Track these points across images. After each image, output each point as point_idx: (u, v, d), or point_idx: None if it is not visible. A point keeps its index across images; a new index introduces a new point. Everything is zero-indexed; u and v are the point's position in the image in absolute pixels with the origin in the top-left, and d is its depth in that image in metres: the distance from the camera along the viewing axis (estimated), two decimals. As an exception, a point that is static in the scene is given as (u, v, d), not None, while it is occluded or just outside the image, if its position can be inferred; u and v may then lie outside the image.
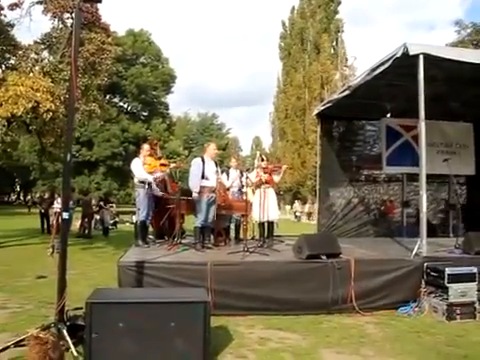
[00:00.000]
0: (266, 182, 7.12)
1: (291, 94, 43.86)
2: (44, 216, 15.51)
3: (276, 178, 7.29)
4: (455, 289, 5.17)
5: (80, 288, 5.52)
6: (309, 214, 33.47)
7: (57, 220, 9.67)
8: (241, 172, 7.65)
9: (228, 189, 7.52)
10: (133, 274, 5.07)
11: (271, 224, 7.30)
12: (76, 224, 15.35)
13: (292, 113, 44.32)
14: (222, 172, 7.37)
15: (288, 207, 37.83)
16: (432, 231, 7.02)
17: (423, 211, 5.77)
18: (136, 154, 7.28)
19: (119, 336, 3.47)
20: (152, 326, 3.54)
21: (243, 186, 7.60)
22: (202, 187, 6.46)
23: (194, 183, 6.44)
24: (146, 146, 7.12)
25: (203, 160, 6.58)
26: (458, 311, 5.13)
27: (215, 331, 4.26)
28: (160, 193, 7.15)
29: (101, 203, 17.93)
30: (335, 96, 8.30)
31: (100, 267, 8.38)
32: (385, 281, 5.48)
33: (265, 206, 6.96)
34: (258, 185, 7.04)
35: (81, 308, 3.83)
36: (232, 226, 7.92)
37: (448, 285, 5.18)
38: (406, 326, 4.94)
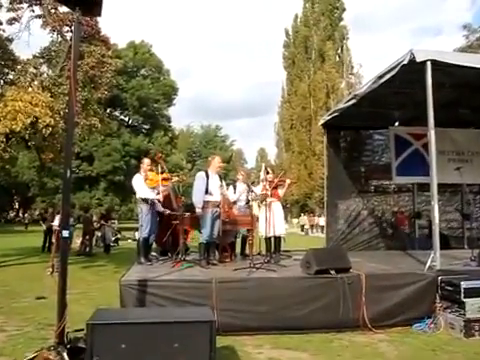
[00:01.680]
0: (272, 196, 7.11)
1: (296, 104, 44.11)
2: (48, 234, 15.38)
3: (280, 192, 7.29)
4: (472, 304, 5.10)
5: (81, 308, 5.50)
6: (314, 226, 33.31)
7: (57, 238, 9.68)
8: (248, 186, 7.67)
9: (235, 203, 7.51)
10: (136, 293, 5.05)
11: (278, 239, 7.27)
12: (77, 241, 15.37)
13: (297, 123, 44.52)
14: (228, 186, 7.37)
15: (295, 220, 37.66)
16: (446, 243, 6.97)
17: (435, 222, 5.73)
18: (137, 169, 7.29)
19: (121, 358, 3.44)
20: (155, 347, 3.50)
21: (249, 200, 7.61)
22: (206, 202, 6.45)
23: (198, 198, 6.43)
24: (147, 160, 7.14)
25: (207, 174, 6.59)
26: (476, 327, 5.05)
27: (221, 352, 4.22)
28: (162, 209, 7.14)
29: (102, 220, 17.95)
30: (341, 105, 8.33)
31: (101, 286, 8.35)
32: (398, 296, 5.42)
33: (271, 220, 6.93)
34: (264, 199, 7.03)
35: (82, 330, 3.81)
36: (238, 241, 7.91)
37: (464, 300, 5.11)
38: (421, 343, 4.86)
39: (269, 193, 7.09)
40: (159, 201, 7.03)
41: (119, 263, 11.26)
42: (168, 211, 7.16)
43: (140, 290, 5.07)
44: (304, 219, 34.77)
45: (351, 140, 10.06)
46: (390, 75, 6.19)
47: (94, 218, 17.48)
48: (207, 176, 6.56)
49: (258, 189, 7.22)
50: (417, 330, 5.28)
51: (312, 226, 33.39)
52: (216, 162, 6.74)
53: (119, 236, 20.46)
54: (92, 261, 12.85)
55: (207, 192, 6.49)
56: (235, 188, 7.66)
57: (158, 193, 6.93)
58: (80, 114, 11.83)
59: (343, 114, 8.28)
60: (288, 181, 7.44)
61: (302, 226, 35.07)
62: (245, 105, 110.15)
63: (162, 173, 7.04)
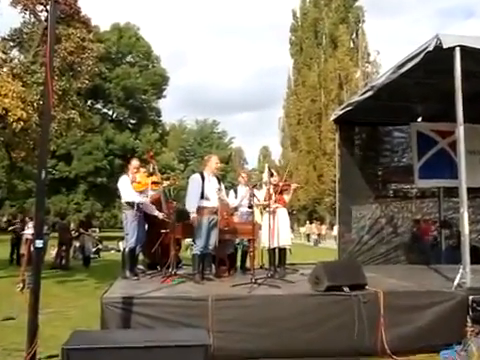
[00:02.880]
0: (276, 201, 7.10)
1: (304, 96, 44.22)
2: (16, 244, 15.28)
3: (286, 197, 7.29)
4: (509, 328, 5.07)
5: (56, 331, 5.48)
6: (321, 235, 33.33)
7: (28, 249, 9.65)
8: (251, 189, 7.66)
9: (236, 209, 7.52)
10: (119, 312, 5.03)
11: (283, 250, 7.25)
12: (51, 253, 15.33)
13: (306, 118, 44.62)
14: (228, 189, 7.38)
15: (303, 229, 37.72)
16: (477, 256, 6.92)
17: (465, 233, 5.70)
18: (123, 169, 7.30)
19: (102, 388, 3.41)
20: (142, 376, 3.48)
21: (252, 206, 7.60)
22: (201, 208, 6.44)
23: (192, 203, 6.42)
24: (135, 162, 7.15)
25: (203, 176, 6.58)
26: (513, 355, 5.02)
27: (218, 381, 4.19)
28: (157, 212, 7.15)
29: (81, 228, 17.91)
30: (356, 98, 8.32)
31: (80, 304, 8.31)
32: (422, 318, 5.40)
33: (276, 229, 6.92)
34: (267, 205, 7.01)
35: (56, 356, 3.79)
36: (238, 253, 7.89)
37: (500, 323, 5.08)
38: (449, 373, 4.84)
39: (273, 198, 7.08)
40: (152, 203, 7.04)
41: (100, 278, 11.22)
42: (162, 214, 7.14)
43: (124, 309, 5.04)
44: (310, 228, 34.79)
45: (367, 138, 10.04)
46: (413, 63, 6.17)
47: (72, 226, 17.45)
48: (203, 178, 6.55)
49: (261, 193, 7.20)
50: (445, 358, 5.23)
51: (319, 235, 33.41)
52: (213, 162, 6.73)
53: (101, 247, 20.42)
54: (69, 275, 12.82)
55: (203, 197, 6.47)
56: (236, 192, 7.66)
57: (147, 196, 6.92)
58: (57, 106, 11.81)
59: (358, 108, 8.27)
60: (294, 186, 7.42)
61: (308, 235, 35.11)
62: (246, 97, 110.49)
63: (151, 175, 7.03)
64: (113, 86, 33.60)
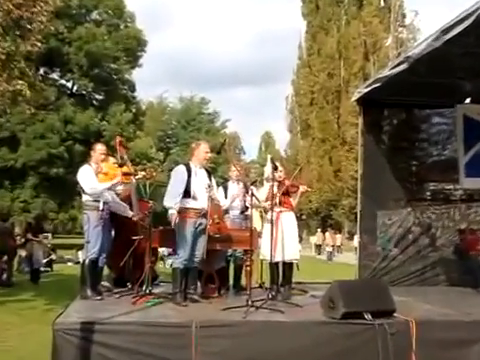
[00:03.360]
0: (281, 203, 7.10)
1: (319, 69, 44.23)
2: None
3: (293, 201, 7.32)
4: None
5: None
6: (334, 247, 33.41)
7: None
8: (245, 186, 7.64)
9: (226, 212, 7.52)
10: (77, 342, 5.03)
11: (288, 266, 7.28)
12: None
13: (320, 97, 44.63)
14: (217, 186, 7.39)
15: (313, 239, 37.86)
16: None
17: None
18: (85, 158, 7.30)
19: None
20: None
21: (247, 207, 7.57)
22: (185, 209, 6.46)
23: (172, 199, 6.44)
24: (100, 147, 7.14)
25: (189, 169, 6.60)
26: None
27: None
28: (130, 212, 7.17)
29: (29, 233, 17.84)
30: (386, 72, 8.29)
31: (25, 332, 8.29)
32: (467, 357, 5.42)
33: (280, 238, 6.94)
34: (270, 207, 7.02)
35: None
36: (230, 267, 7.91)
37: None
38: None
39: (277, 199, 7.08)
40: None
41: (53, 297, 11.20)
42: (137, 215, 7.14)
43: (84, 338, 5.04)
44: (323, 237, 34.88)
45: (399, 123, 10.05)
46: (461, 28, 6.15)
47: (17, 230, 17.37)
48: (189, 171, 6.57)
49: (263, 192, 7.20)
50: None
51: (334, 247, 33.56)
52: (202, 151, 6.74)
53: (54, 257, 20.37)
54: (12, 294, 12.78)
55: (188, 194, 6.49)
56: (226, 190, 7.69)
57: (117, 194, 6.92)
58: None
59: (388, 85, 8.25)
60: (302, 188, 7.40)
61: (318, 246, 35.22)
62: (244, 69, 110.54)
63: (122, 165, 7.01)
64: (74, 51, 33.38)
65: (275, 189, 7.08)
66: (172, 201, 6.43)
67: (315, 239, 37.37)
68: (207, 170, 6.85)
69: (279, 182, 7.21)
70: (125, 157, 7.19)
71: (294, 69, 50.10)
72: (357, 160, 10.64)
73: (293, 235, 7.27)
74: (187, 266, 6.59)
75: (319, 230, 38.22)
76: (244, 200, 7.65)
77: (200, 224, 6.56)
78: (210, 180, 6.75)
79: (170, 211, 6.43)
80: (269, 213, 7.07)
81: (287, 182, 7.31)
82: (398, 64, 7.73)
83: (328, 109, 43.74)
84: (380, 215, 9.82)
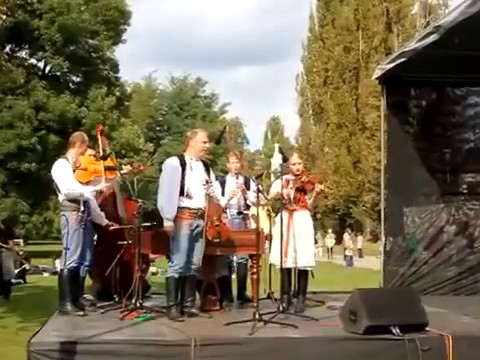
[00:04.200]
0: (295, 200, 7.13)
1: (334, 42, 44.16)
2: None
3: (309, 200, 7.32)
4: None
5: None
6: (353, 251, 33.40)
7: None
8: (245, 180, 7.64)
9: (224, 211, 7.51)
10: (56, 365, 5.04)
11: (303, 273, 7.28)
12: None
13: (336, 76, 44.56)
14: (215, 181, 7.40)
15: (330, 241, 37.86)
16: None
17: None
18: (61, 150, 7.31)
19: None
20: None
21: (248, 206, 7.56)
22: (181, 210, 6.48)
23: (167, 204, 6.46)
24: (80, 135, 7.13)
25: (183, 162, 6.61)
26: None
27: None
28: (105, 221, 7.19)
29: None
30: (412, 44, 8.27)
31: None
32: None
33: (292, 241, 6.96)
34: (283, 205, 7.04)
35: None
36: (234, 276, 7.95)
37: None
38: None
39: (290, 196, 7.11)
40: (103, 207, 7.06)
41: (26, 313, 11.24)
42: (114, 226, 7.16)
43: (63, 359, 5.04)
44: (346, 239, 34.78)
45: (429, 105, 10.03)
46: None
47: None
48: (183, 165, 6.59)
49: (276, 188, 7.20)
50: None
51: (354, 250, 33.54)
52: (198, 140, 6.74)
53: (27, 267, 20.45)
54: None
55: (183, 193, 6.51)
56: (223, 185, 7.70)
57: (100, 192, 6.92)
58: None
59: (416, 60, 8.24)
60: (319, 187, 7.31)
61: (329, 250, 35.21)
62: (246, 44, 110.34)
63: (105, 158, 7.02)
64: (45, 24, 33.27)
65: (291, 183, 7.10)
66: (168, 209, 6.43)
67: (330, 241, 37.35)
68: (205, 163, 6.84)
69: (297, 176, 7.19)
70: (107, 149, 7.20)
71: (304, 43, 50.08)
72: (380, 149, 10.62)
73: (308, 238, 7.27)
74: (183, 275, 6.58)
75: (330, 231, 38.19)
76: (244, 197, 7.65)
77: (197, 226, 6.56)
78: (209, 175, 6.75)
79: (166, 222, 6.44)
80: (280, 212, 7.08)
81: (304, 178, 7.26)
82: (427, 35, 7.69)
83: (345, 89, 43.70)
84: (408, 213, 9.82)
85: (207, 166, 6.84)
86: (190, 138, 6.81)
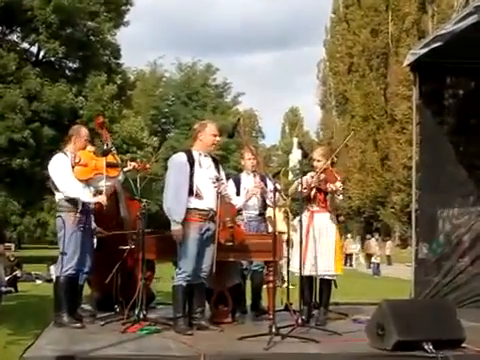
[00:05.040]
0: (315, 201, 7.17)
1: (360, 24, 44.07)
2: None
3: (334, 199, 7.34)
4: None
5: None
6: (377, 257, 33.28)
7: None
8: (262, 179, 7.65)
9: (239, 212, 7.56)
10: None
11: (324, 282, 7.32)
12: None
13: (362, 62, 44.47)
14: (227, 179, 7.43)
15: (355, 247, 37.81)
16: None
17: None
18: (57, 144, 7.34)
19: None
20: None
21: (266, 207, 7.57)
22: (190, 210, 6.51)
23: (175, 206, 6.49)
24: (84, 130, 7.16)
25: (191, 157, 6.64)
26: None
27: None
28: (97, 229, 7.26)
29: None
30: (449, 26, 8.25)
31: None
32: None
33: (312, 247, 6.99)
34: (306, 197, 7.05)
35: None
36: (247, 284, 7.95)
37: None
38: None
39: (311, 194, 7.12)
40: (97, 212, 7.07)
41: (18, 325, 11.27)
42: (103, 233, 7.23)
43: (60, 376, 5.08)
44: (372, 245, 34.73)
45: (467, 95, 10.00)
46: None
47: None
48: (191, 161, 6.61)
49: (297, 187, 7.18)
50: None
51: (381, 257, 33.45)
52: (208, 134, 6.77)
53: (19, 274, 20.52)
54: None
55: (192, 192, 6.54)
56: (238, 184, 7.76)
57: (99, 192, 6.95)
58: None
59: (453, 44, 8.22)
60: (330, 186, 7.25)
61: (348, 256, 35.09)
62: (262, 27, 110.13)
63: (106, 154, 7.04)
64: (39, 4, 33.28)
65: (315, 181, 7.11)
66: (176, 210, 6.46)
67: (355, 246, 37.27)
68: (214, 158, 6.88)
69: (324, 174, 7.20)
70: (109, 142, 7.22)
71: (327, 26, 50.08)
72: (411, 144, 10.59)
73: (328, 242, 7.27)
74: (191, 283, 6.62)
75: (349, 236, 38.08)
76: (263, 197, 7.67)
77: (207, 229, 6.60)
78: (218, 171, 6.79)
79: (174, 226, 6.46)
80: (300, 215, 7.09)
81: (322, 176, 7.25)
82: (466, 16, 7.67)
83: (372, 77, 43.64)
84: (443, 216, 9.80)
85: (216, 162, 6.88)
86: (198, 131, 6.83)
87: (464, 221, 9.81)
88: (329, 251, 7.25)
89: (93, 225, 7.27)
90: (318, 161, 7.36)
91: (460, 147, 9.78)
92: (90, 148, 7.30)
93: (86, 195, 6.81)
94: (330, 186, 7.21)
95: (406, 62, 9.75)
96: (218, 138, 6.87)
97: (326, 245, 7.20)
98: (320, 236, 7.16)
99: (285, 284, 8.33)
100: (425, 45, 9.01)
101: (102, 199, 6.87)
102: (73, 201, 6.74)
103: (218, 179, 6.69)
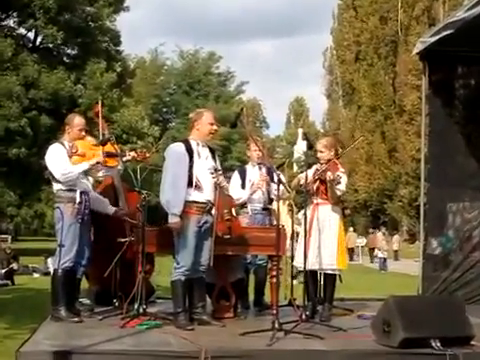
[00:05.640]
0: (318, 193, 7.18)
1: (368, 11, 43.94)
2: None
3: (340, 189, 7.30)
4: None
5: None
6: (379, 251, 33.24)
7: None
8: (268, 171, 7.64)
9: (244, 205, 7.59)
10: (47, 378, 5.08)
11: (329, 277, 7.32)
12: None
13: (370, 51, 44.35)
14: (228, 171, 7.42)
15: (361, 241, 37.81)
16: None
17: None
18: (55, 133, 7.35)
19: None
20: None
21: (271, 200, 7.57)
22: (189, 203, 6.51)
23: (173, 198, 6.48)
24: (79, 120, 7.13)
25: (189, 147, 6.63)
26: None
27: None
28: (111, 209, 7.25)
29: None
30: (461, 14, 8.21)
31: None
32: None
33: (315, 240, 7.02)
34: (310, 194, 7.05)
35: None
36: (250, 279, 7.96)
37: None
38: None
39: (312, 187, 7.13)
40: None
41: (14, 319, 11.29)
42: (123, 210, 7.27)
43: (57, 372, 5.09)
44: (378, 239, 34.66)
45: (478, 85, 9.98)
46: None
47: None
48: (190, 151, 6.61)
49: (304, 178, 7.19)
50: None
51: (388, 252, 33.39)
52: (205, 122, 6.76)
53: (15, 267, 20.59)
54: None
55: (191, 184, 6.54)
56: (243, 176, 7.77)
57: (98, 183, 6.96)
58: None
59: (464, 32, 8.19)
60: (329, 175, 7.23)
61: (350, 250, 35.02)
62: (267, 14, 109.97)
63: (104, 143, 7.04)
64: (36, -11, 33.42)
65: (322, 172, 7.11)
66: (175, 203, 6.44)
67: (361, 241, 37.25)
68: (210, 148, 6.87)
69: (329, 163, 7.19)
70: (106, 133, 7.21)
71: (334, 12, 49.94)
72: (419, 135, 10.58)
73: (331, 235, 7.27)
74: (190, 277, 6.63)
75: (351, 229, 38.00)
76: (268, 190, 7.68)
77: (205, 222, 6.61)
78: (215, 161, 6.80)
79: (172, 218, 6.45)
80: (304, 208, 7.09)
81: (324, 167, 7.24)
82: (478, 3, 7.65)
83: (380, 66, 43.55)
84: (452, 210, 9.80)
85: (212, 151, 6.87)
86: (195, 120, 6.81)
87: (475, 215, 9.80)
88: (332, 244, 7.24)
89: (111, 209, 7.28)
90: (321, 152, 7.36)
91: (471, 139, 9.75)
92: (90, 140, 7.31)
93: (81, 167, 6.77)
94: (328, 175, 7.15)
95: (415, 50, 9.72)
96: (215, 126, 6.86)
97: (328, 238, 7.21)
98: (323, 228, 7.17)
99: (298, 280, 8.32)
100: (435, 33, 8.98)
101: (99, 158, 6.86)
102: (72, 191, 6.74)
103: (216, 169, 6.69)
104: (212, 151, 6.87)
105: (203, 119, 6.76)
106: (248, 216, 7.68)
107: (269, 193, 7.71)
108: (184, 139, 6.88)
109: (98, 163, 6.91)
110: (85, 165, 6.82)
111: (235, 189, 7.60)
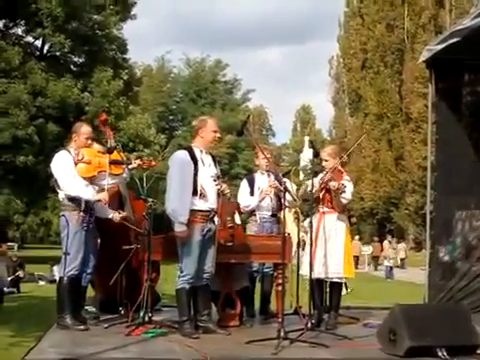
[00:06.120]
0: (324, 202, 7.17)
1: (375, 19, 43.95)
2: None
3: (346, 197, 7.33)
4: None
5: None
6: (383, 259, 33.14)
7: None
8: (276, 179, 7.64)
9: (253, 213, 7.59)
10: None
11: (335, 286, 7.32)
12: None
13: (376, 58, 44.36)
14: (235, 178, 7.41)
15: (367, 250, 37.74)
16: None
17: None
18: (61, 141, 7.36)
19: None
20: None
21: (281, 208, 7.59)
22: (193, 212, 6.51)
23: (179, 206, 6.48)
24: (86, 128, 7.16)
25: (193, 156, 6.64)
26: None
27: None
28: (109, 212, 7.23)
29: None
30: (467, 22, 8.22)
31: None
32: None
33: (321, 249, 7.01)
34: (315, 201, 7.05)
35: None
36: (255, 287, 7.95)
37: None
38: None
39: (319, 194, 7.10)
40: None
41: (20, 327, 11.29)
42: (122, 214, 7.23)
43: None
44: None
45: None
46: None
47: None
48: (194, 159, 6.61)
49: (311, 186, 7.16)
50: None
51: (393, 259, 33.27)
52: (209, 129, 6.78)
53: (21, 274, 20.58)
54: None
55: (196, 192, 6.54)
56: (252, 184, 7.77)
57: (102, 190, 6.95)
58: None
59: (471, 40, 8.18)
60: (333, 184, 7.23)
61: (355, 258, 34.90)
62: (273, 22, 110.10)
63: (110, 152, 7.05)
64: (44, -2, 33.53)
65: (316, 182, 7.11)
66: (181, 211, 6.43)
67: (367, 249, 37.11)
68: (212, 156, 6.87)
69: (335, 172, 7.21)
70: (111, 139, 7.21)
71: (341, 20, 49.98)
72: (426, 143, 10.56)
73: (337, 244, 7.28)
74: (194, 285, 6.63)
75: (357, 237, 37.88)
76: (277, 197, 7.67)
77: (209, 230, 6.62)
78: (216, 167, 6.81)
79: (179, 227, 6.44)
80: (310, 216, 7.09)
81: (329, 175, 7.23)
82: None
83: (386, 74, 43.52)
84: (459, 218, 9.77)
85: (214, 160, 6.88)
86: (199, 127, 6.84)
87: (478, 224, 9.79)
88: (338, 253, 7.25)
89: (109, 212, 7.23)
90: (325, 161, 7.36)
91: (478, 146, 9.74)
92: (97, 147, 7.31)
93: (87, 193, 6.79)
94: (332, 184, 7.18)
95: (422, 58, 9.71)
96: (218, 134, 6.89)
97: (334, 246, 7.21)
98: (330, 237, 7.17)
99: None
100: (442, 41, 8.97)
101: (103, 196, 6.89)
102: (77, 200, 6.75)
103: (218, 177, 6.72)
104: (213, 158, 6.88)
105: (207, 127, 6.78)
106: (256, 224, 7.69)
107: (278, 200, 7.68)
108: (188, 146, 6.88)
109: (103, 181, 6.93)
110: (88, 195, 6.79)
111: (244, 196, 7.65)
